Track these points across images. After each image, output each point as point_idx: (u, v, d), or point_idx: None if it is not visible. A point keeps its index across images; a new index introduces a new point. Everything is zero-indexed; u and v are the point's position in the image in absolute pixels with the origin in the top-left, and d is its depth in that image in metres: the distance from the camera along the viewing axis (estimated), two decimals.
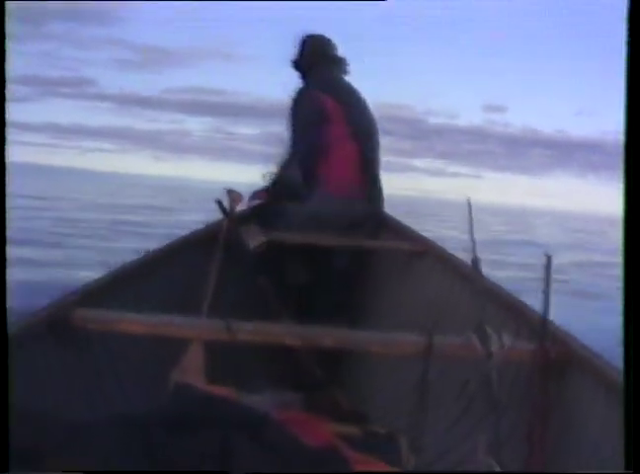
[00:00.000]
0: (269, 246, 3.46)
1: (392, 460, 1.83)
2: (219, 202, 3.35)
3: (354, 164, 3.60)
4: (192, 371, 2.37)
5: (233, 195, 3.52)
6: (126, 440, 1.27)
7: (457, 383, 2.63)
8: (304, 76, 3.87)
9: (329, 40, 3.92)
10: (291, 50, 3.89)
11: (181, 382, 1.56)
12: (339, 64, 3.85)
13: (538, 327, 2.00)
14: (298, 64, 3.88)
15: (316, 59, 3.79)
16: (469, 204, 2.32)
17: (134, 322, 2.30)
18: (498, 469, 1.77)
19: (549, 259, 1.90)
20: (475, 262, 2.29)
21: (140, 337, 2.51)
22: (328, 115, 3.59)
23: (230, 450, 1.30)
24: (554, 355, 2.05)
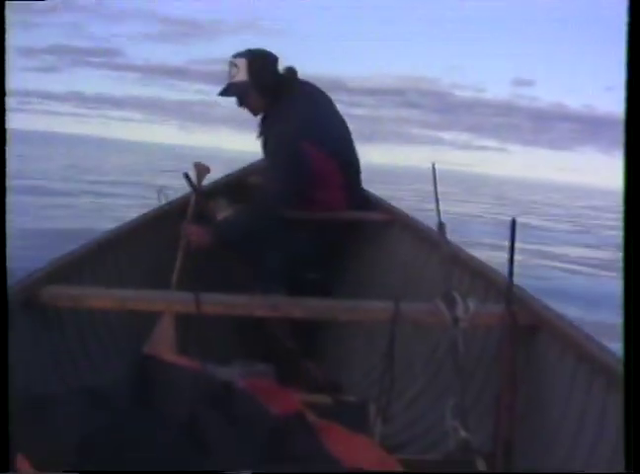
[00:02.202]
0: None
1: (360, 427, 1.85)
2: (187, 176, 3.32)
3: (342, 195, 3.36)
4: (163, 345, 2.37)
5: (201, 167, 3.49)
6: (91, 411, 1.27)
7: (426, 350, 2.66)
8: (256, 98, 3.31)
9: (269, 55, 3.34)
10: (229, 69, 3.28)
11: (144, 354, 1.56)
12: (288, 79, 3.37)
13: (505, 291, 2.01)
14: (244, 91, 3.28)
15: (280, 83, 3.29)
16: (434, 170, 2.33)
17: (103, 297, 2.30)
18: (463, 433, 1.79)
19: (514, 222, 1.91)
20: (441, 227, 2.30)
21: (111, 312, 2.50)
22: (317, 171, 3.22)
23: (196, 419, 1.30)
24: (521, 320, 2.08)
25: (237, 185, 4.06)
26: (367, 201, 3.69)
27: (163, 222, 3.38)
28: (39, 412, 1.30)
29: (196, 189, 3.33)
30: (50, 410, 1.30)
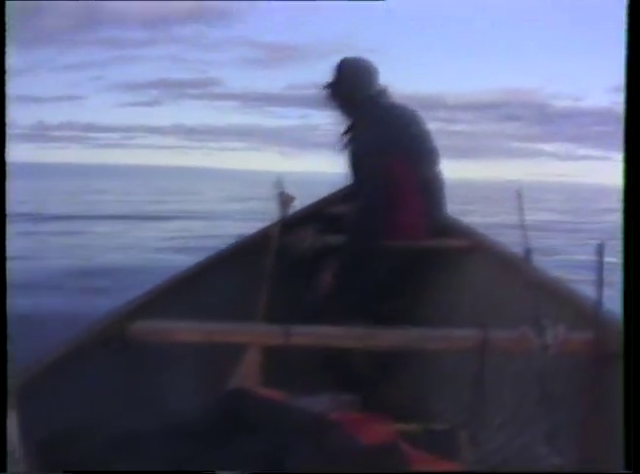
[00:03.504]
0: (322, 249, 3.47)
1: (451, 455, 1.84)
2: (281, 195, 3.32)
3: (422, 222, 3.35)
4: (249, 377, 2.40)
5: (285, 197, 3.51)
6: (184, 446, 1.30)
7: (512, 376, 2.62)
8: (345, 106, 3.43)
9: (371, 67, 3.45)
10: (329, 76, 3.43)
11: (234, 388, 1.59)
12: (382, 94, 3.41)
13: (593, 317, 1.98)
14: (337, 93, 3.42)
15: (364, 92, 3.35)
16: (519, 194, 2.31)
17: (191, 331, 2.33)
18: (557, 460, 1.76)
19: (601, 247, 1.88)
20: (528, 253, 2.28)
21: (194, 346, 2.55)
22: (398, 183, 3.23)
23: (288, 452, 1.32)
24: (610, 347, 2.03)
25: (322, 213, 4.08)
26: (449, 228, 3.67)
27: (247, 252, 3.41)
28: (134, 448, 1.33)
29: (281, 218, 3.36)
30: (144, 445, 1.33)
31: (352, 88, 3.34)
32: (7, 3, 1.25)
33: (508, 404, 2.55)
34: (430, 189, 3.34)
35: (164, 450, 1.30)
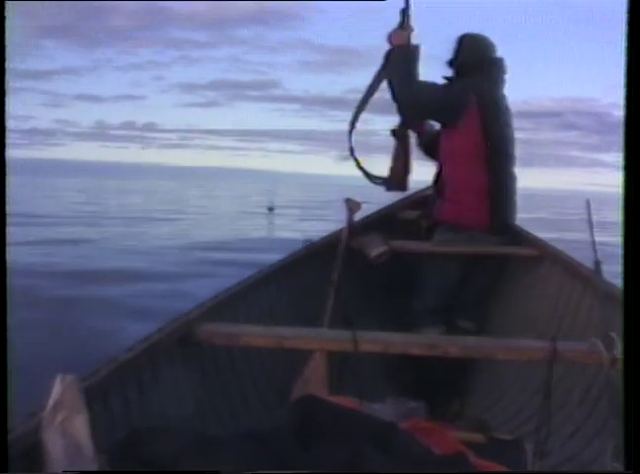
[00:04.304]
0: (390, 255, 3.47)
1: (518, 466, 1.85)
2: (348, 200, 3.36)
3: (479, 194, 3.41)
4: (315, 383, 2.43)
5: (352, 203, 3.53)
6: (257, 454, 1.33)
7: (579, 387, 2.60)
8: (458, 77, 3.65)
9: (485, 43, 3.66)
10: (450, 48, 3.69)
11: (306, 395, 1.62)
12: (494, 70, 3.61)
13: None
14: (453, 64, 3.67)
15: (471, 65, 3.57)
16: (588, 205, 2.30)
17: (259, 335, 2.37)
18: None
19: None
20: (597, 265, 2.26)
21: (262, 349, 2.59)
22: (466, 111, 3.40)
23: (361, 461, 1.34)
24: None
25: (389, 219, 4.09)
26: (518, 236, 3.65)
27: (314, 258, 3.44)
28: (209, 453, 1.36)
29: (348, 224, 3.39)
30: (216, 449, 1.36)
31: (464, 64, 3.59)
32: (7, 3, 1.23)
33: (574, 415, 2.53)
34: (497, 187, 3.39)
35: (239, 455, 1.33)
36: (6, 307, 1.20)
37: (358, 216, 3.66)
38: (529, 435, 2.13)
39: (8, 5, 1.21)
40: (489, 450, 1.98)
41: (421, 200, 4.16)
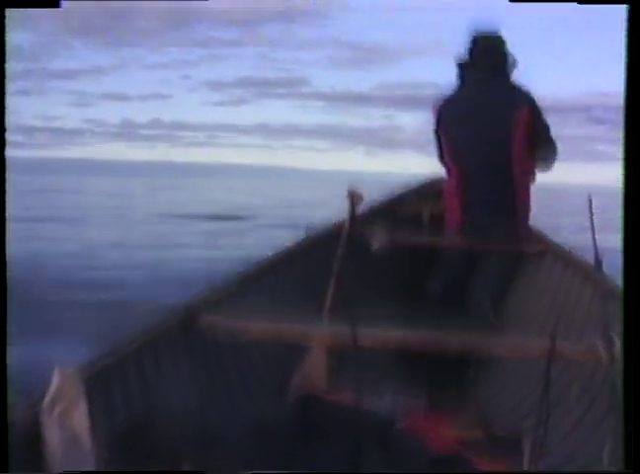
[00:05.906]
0: (393, 247, 3.46)
1: (515, 463, 1.85)
2: (351, 194, 3.35)
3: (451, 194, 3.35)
4: (313, 376, 2.43)
5: (355, 195, 3.52)
6: (265, 451, 1.33)
7: (577, 384, 2.60)
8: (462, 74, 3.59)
9: (491, 41, 3.37)
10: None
11: (306, 392, 1.62)
12: (497, 69, 3.52)
13: None
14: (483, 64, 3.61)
15: (506, 66, 3.50)
16: (590, 201, 2.28)
17: (259, 328, 2.36)
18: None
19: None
20: (598, 263, 2.25)
21: (262, 341, 2.58)
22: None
23: (359, 456, 1.34)
24: None
25: (391, 210, 4.07)
26: (516, 232, 3.64)
27: (316, 248, 3.43)
28: (213, 440, 1.37)
29: (350, 216, 3.37)
30: (216, 447, 1.37)
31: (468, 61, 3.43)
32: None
33: (572, 413, 2.53)
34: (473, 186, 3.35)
35: (240, 452, 1.34)
36: (6, 307, 1.21)
37: (360, 208, 3.64)
38: (528, 432, 2.13)
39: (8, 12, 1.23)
40: (487, 447, 1.99)
41: (424, 192, 4.14)
